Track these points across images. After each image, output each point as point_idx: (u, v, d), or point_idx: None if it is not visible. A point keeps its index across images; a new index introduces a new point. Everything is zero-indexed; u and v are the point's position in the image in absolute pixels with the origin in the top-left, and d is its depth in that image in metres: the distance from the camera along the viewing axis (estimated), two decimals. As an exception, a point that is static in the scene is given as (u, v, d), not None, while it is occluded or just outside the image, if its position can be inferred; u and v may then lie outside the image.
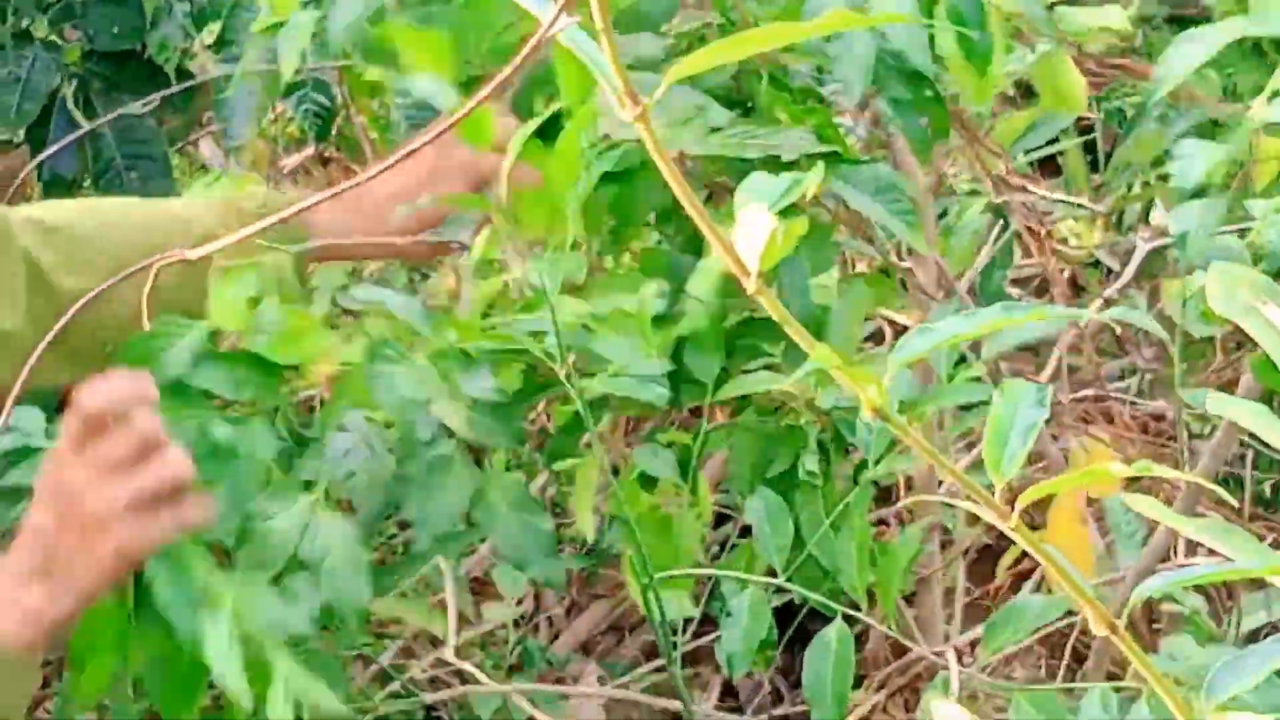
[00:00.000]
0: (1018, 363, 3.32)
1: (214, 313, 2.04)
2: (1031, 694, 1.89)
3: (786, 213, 1.14)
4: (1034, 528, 2.95)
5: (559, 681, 3.68)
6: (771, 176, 0.99)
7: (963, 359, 2.06)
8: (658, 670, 3.50)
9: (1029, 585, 3.22)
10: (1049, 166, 3.79)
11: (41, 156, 2.99)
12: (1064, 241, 3.17)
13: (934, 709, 1.08)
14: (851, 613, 2.02)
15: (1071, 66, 2.39)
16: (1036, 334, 2.61)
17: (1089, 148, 3.78)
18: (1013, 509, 0.93)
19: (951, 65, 2.09)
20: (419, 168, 2.24)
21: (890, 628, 2.10)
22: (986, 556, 3.37)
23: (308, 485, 1.97)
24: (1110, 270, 3.44)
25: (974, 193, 2.96)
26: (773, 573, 2.06)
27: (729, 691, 3.76)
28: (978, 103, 2.18)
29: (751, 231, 0.89)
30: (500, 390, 2.02)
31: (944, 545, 3.12)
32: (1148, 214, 3.28)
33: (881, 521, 3.45)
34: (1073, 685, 1.93)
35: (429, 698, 2.92)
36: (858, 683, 3.05)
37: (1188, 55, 2.07)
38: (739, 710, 3.70)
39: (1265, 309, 1.19)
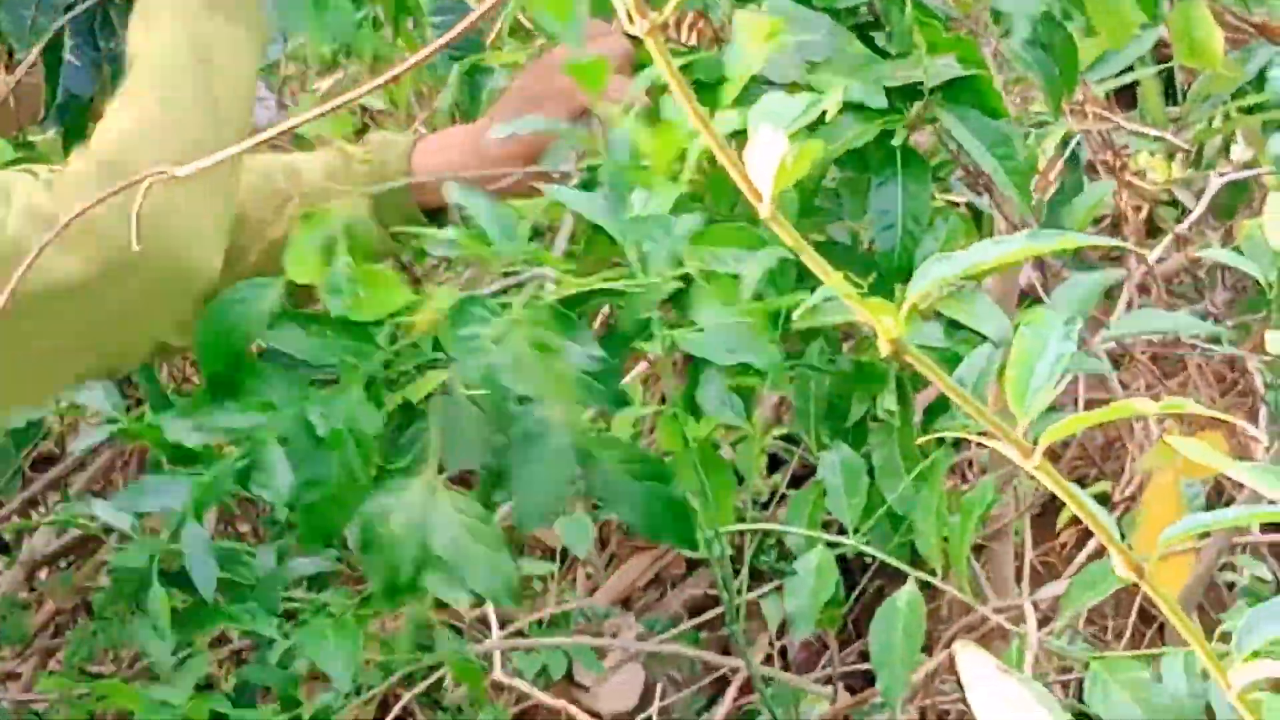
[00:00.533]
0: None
1: (290, 267, 1.91)
2: (1107, 660, 1.81)
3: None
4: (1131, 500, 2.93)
5: (596, 636, 3.62)
6: (789, 97, 0.95)
7: (1035, 302, 2.02)
8: (699, 628, 3.41)
9: (1094, 542, 3.17)
10: (1124, 98, 3.61)
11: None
12: (1139, 175, 3.10)
13: (959, 654, 1.04)
14: (923, 576, 1.94)
15: (1210, 19, 2.31)
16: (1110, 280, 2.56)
17: (1167, 80, 3.61)
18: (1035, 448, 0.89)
19: (1090, 6, 2.01)
20: (516, 100, 2.19)
21: (963, 589, 2.03)
22: (1050, 511, 3.31)
23: (413, 465, 1.84)
24: (1187, 211, 3.38)
25: (1042, 124, 2.89)
26: (841, 528, 1.99)
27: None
28: (1115, 46, 2.12)
29: (764, 154, 0.86)
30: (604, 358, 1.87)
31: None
32: (1228, 149, 3.21)
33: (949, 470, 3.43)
34: (1151, 652, 1.85)
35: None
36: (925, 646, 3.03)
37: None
38: (785, 668, 3.60)
39: None
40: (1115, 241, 2.27)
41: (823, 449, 2.03)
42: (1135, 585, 0.96)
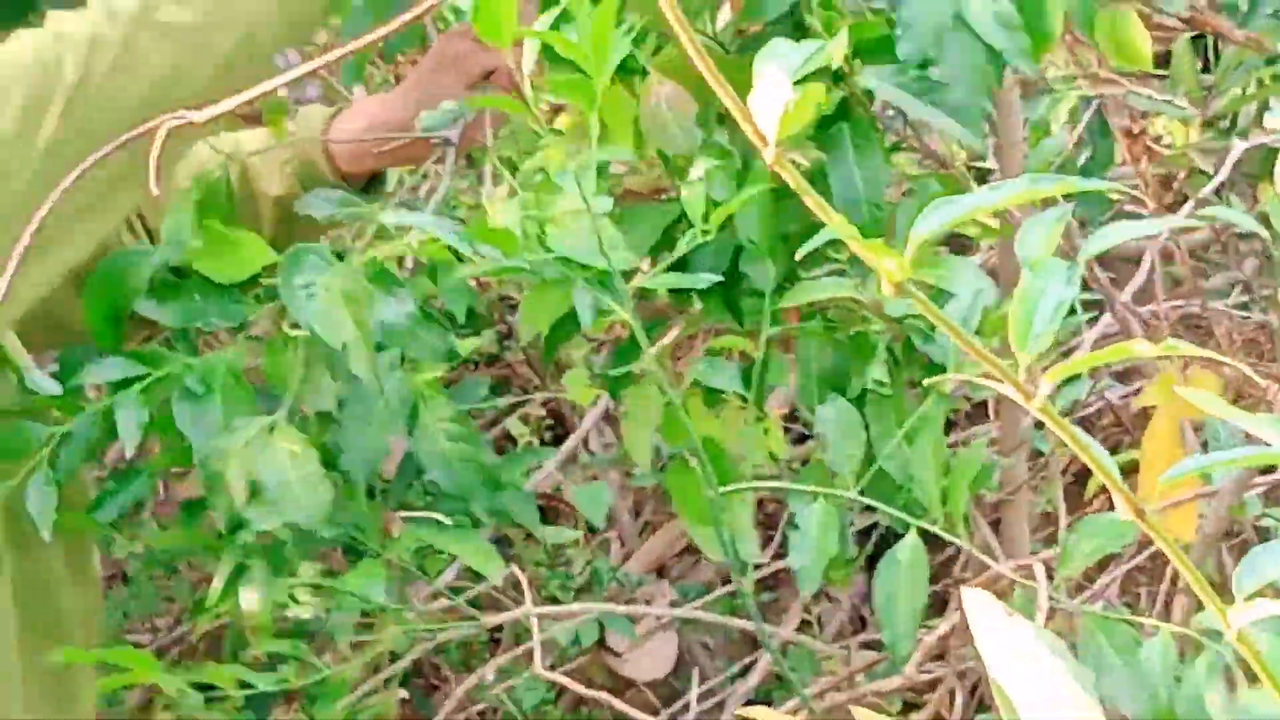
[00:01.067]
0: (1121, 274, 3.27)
1: (166, 234, 2.05)
2: (1103, 620, 1.82)
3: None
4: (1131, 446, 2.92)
5: (629, 603, 3.61)
6: (793, 43, 0.95)
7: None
8: (734, 595, 3.41)
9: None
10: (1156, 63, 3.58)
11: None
12: (1158, 141, 3.08)
13: (966, 601, 1.03)
14: (928, 527, 1.93)
15: (1136, 19, 2.35)
16: (1132, 236, 2.54)
17: (1202, 46, 3.57)
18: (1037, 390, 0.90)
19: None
20: (420, 72, 2.27)
21: (965, 539, 2.03)
22: (1085, 478, 3.30)
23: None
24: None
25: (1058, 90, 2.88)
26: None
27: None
28: (1032, 63, 2.13)
29: (769, 99, 0.87)
30: (417, 314, 1.98)
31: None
32: (1261, 117, 3.19)
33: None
34: (1160, 624, 1.83)
35: (490, 620, 2.79)
36: (943, 607, 3.00)
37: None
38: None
39: None
40: (1125, 189, 2.25)
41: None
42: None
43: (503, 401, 3.83)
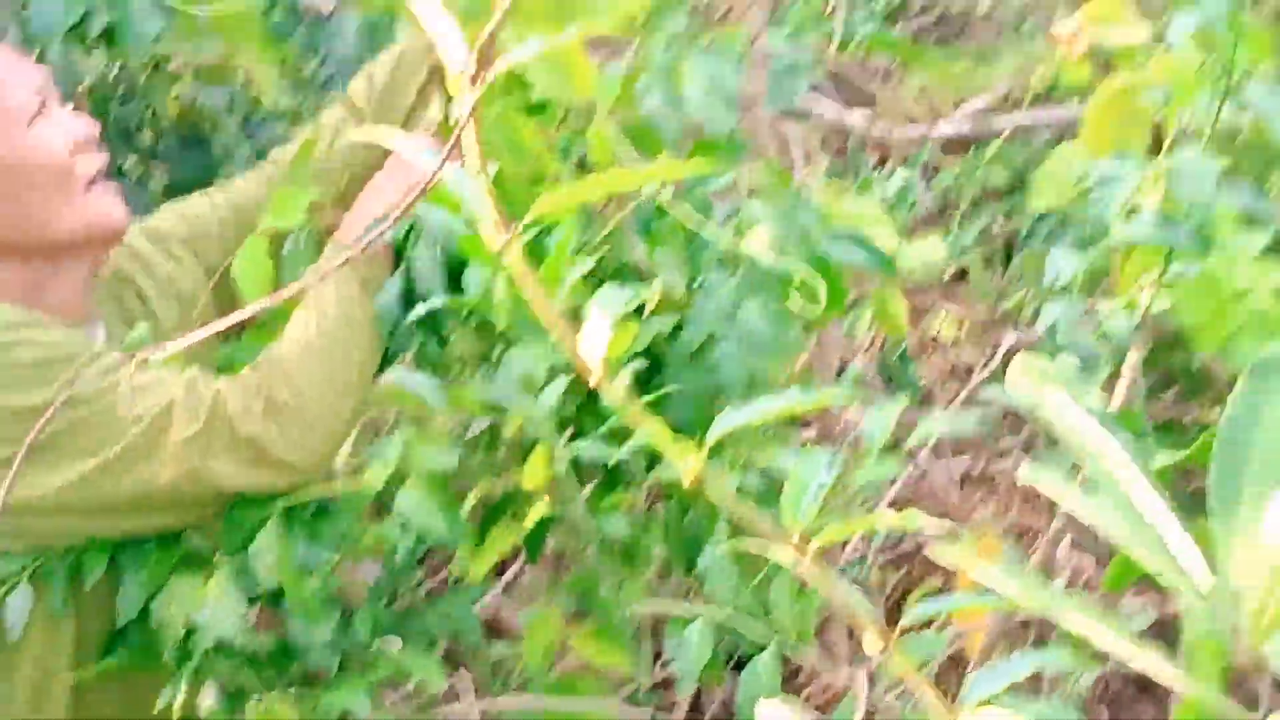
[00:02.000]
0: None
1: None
2: (918, 715, 1.84)
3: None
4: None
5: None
6: (618, 288, 1.01)
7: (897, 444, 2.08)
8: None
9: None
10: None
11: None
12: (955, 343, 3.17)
13: (759, 708, 1.09)
14: (782, 649, 1.96)
15: (900, 295, 2.37)
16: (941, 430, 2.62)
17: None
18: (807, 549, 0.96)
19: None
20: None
21: (808, 655, 2.08)
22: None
23: None
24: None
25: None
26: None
27: (696, 706, 3.65)
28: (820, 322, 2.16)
29: (595, 336, 0.92)
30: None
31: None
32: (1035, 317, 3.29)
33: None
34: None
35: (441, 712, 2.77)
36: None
37: (1110, 200, 2.09)
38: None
39: (1050, 393, 1.22)
40: (837, 389, 2.29)
41: (692, 567, 2.08)
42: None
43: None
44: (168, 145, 3.11)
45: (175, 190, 3.04)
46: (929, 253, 2.37)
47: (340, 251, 2.04)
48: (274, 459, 1.96)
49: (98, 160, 2.04)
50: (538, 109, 2.02)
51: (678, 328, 1.97)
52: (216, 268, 2.20)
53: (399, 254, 2.08)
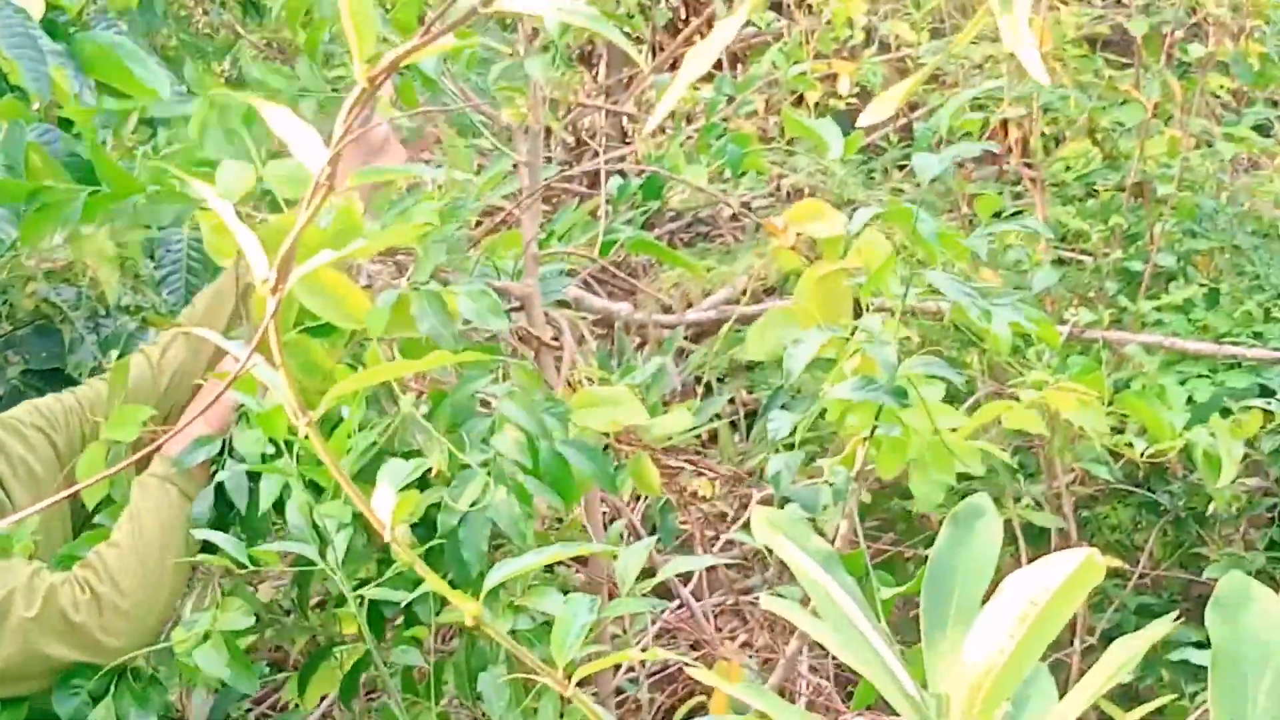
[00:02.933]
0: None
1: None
2: None
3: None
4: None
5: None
6: (403, 462, 1.02)
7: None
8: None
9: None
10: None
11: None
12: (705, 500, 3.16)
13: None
14: None
15: (650, 464, 2.40)
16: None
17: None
18: (570, 680, 0.96)
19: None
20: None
21: None
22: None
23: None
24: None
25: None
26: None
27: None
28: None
29: (383, 500, 0.92)
30: None
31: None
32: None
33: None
34: None
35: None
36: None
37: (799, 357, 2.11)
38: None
39: (779, 540, 1.23)
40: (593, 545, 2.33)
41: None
42: None
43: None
44: (23, 335, 3.08)
45: (30, 375, 3.02)
46: (676, 423, 2.38)
47: (163, 464, 2.18)
48: (98, 642, 2.07)
49: None
50: (326, 330, 2.05)
51: None
52: (64, 455, 2.27)
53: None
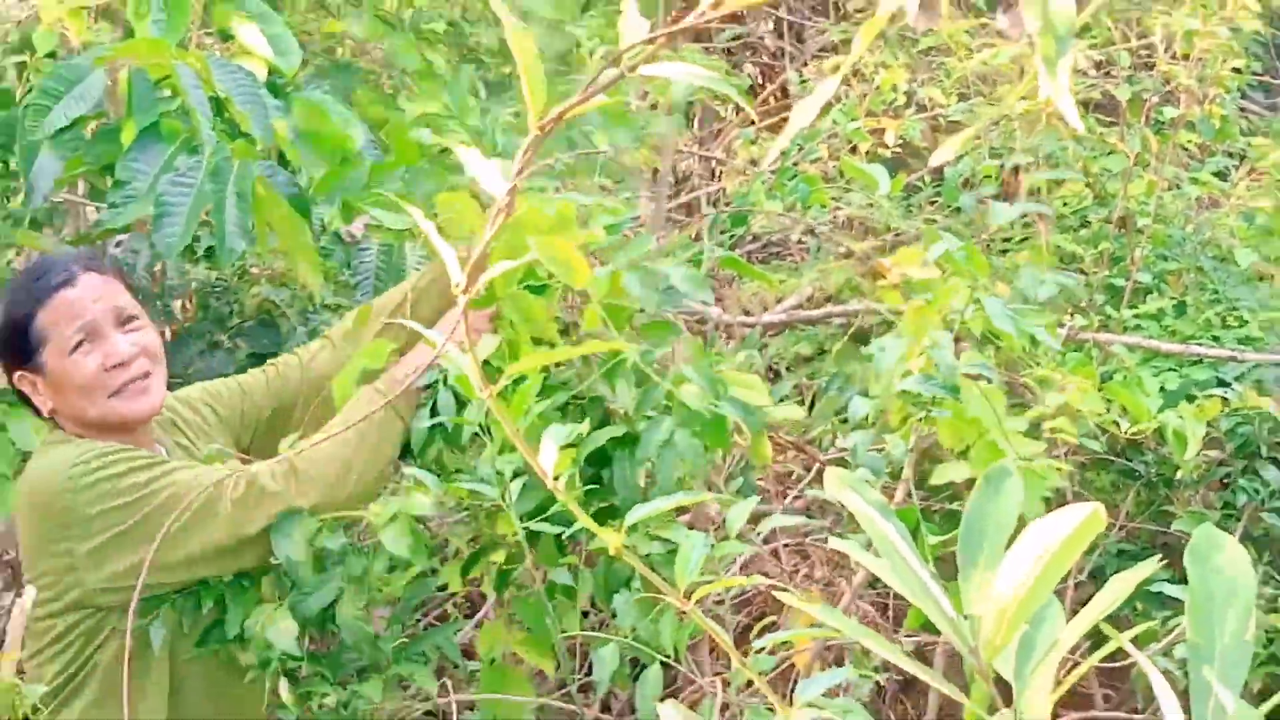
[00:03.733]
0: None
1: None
2: (758, 711, 1.78)
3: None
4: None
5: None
6: (561, 427, 1.02)
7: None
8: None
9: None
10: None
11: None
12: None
13: (662, 710, 1.06)
14: (665, 659, 1.92)
15: (766, 439, 2.25)
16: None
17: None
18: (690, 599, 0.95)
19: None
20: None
21: (683, 667, 2.05)
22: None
23: None
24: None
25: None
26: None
27: (607, 708, 3.54)
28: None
29: (547, 456, 0.91)
30: None
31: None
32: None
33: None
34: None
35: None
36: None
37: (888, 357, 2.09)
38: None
39: (848, 495, 1.22)
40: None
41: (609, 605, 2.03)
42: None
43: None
44: (249, 327, 3.11)
45: (255, 358, 3.04)
46: (791, 413, 2.34)
47: (385, 382, 2.05)
48: (291, 504, 1.98)
49: (128, 372, 2.06)
50: (542, 289, 1.99)
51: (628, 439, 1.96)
52: (225, 419, 2.27)
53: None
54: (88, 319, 2.02)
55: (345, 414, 2.05)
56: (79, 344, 2.02)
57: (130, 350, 2.05)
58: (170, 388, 2.25)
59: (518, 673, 2.30)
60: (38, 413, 2.12)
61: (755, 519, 2.40)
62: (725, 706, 2.08)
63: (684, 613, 0.98)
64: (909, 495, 2.10)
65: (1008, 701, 1.07)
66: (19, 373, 2.07)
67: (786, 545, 3.18)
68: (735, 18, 4.37)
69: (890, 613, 3.35)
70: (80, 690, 2.02)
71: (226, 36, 2.55)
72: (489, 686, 2.14)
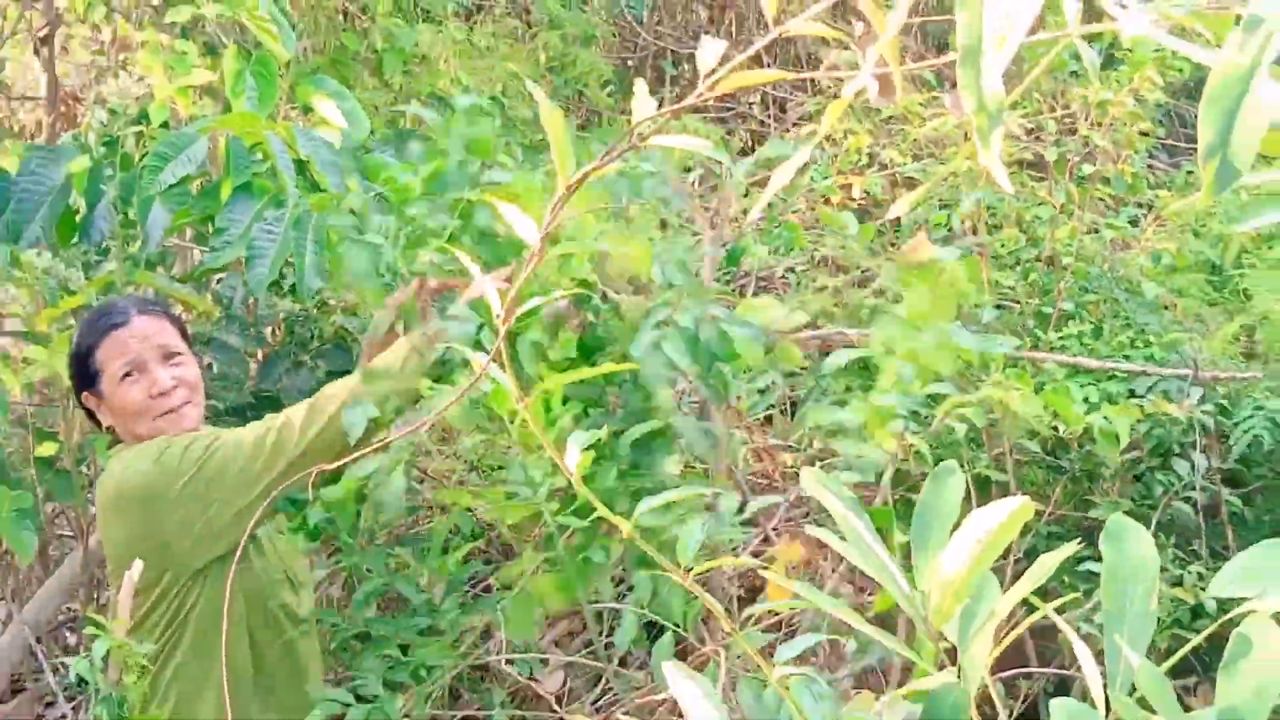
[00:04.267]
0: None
1: None
2: (751, 680, 1.74)
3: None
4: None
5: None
6: (584, 433, 1.01)
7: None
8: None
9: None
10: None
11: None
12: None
13: (667, 669, 1.05)
14: (676, 629, 1.90)
15: (793, 345, 2.14)
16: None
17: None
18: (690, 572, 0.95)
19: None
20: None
21: (690, 635, 2.00)
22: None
23: None
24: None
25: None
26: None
27: (624, 661, 3.44)
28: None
29: (571, 458, 0.91)
30: None
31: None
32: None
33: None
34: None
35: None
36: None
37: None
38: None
39: (823, 491, 1.21)
40: None
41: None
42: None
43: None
44: (327, 350, 3.09)
45: (331, 375, 3.03)
46: (786, 316, 2.06)
47: (416, 339, 1.93)
48: (288, 453, 1.93)
49: (169, 401, 2.08)
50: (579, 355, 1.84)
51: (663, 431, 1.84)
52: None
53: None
54: (133, 355, 2.07)
55: (381, 359, 1.97)
56: (127, 374, 2.07)
57: (170, 382, 2.09)
58: (262, 400, 2.26)
59: (535, 598, 2.19)
60: (98, 424, 2.17)
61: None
62: (728, 671, 2.02)
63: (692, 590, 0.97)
64: (886, 501, 2.08)
65: (954, 662, 1.07)
66: (85, 394, 2.13)
67: (776, 530, 3.15)
68: (729, 93, 4.37)
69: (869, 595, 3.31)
70: (178, 644, 2.03)
71: (308, 110, 2.57)
72: (513, 608, 2.04)
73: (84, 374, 2.10)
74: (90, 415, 2.16)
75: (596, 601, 2.10)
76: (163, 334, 2.10)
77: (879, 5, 0.78)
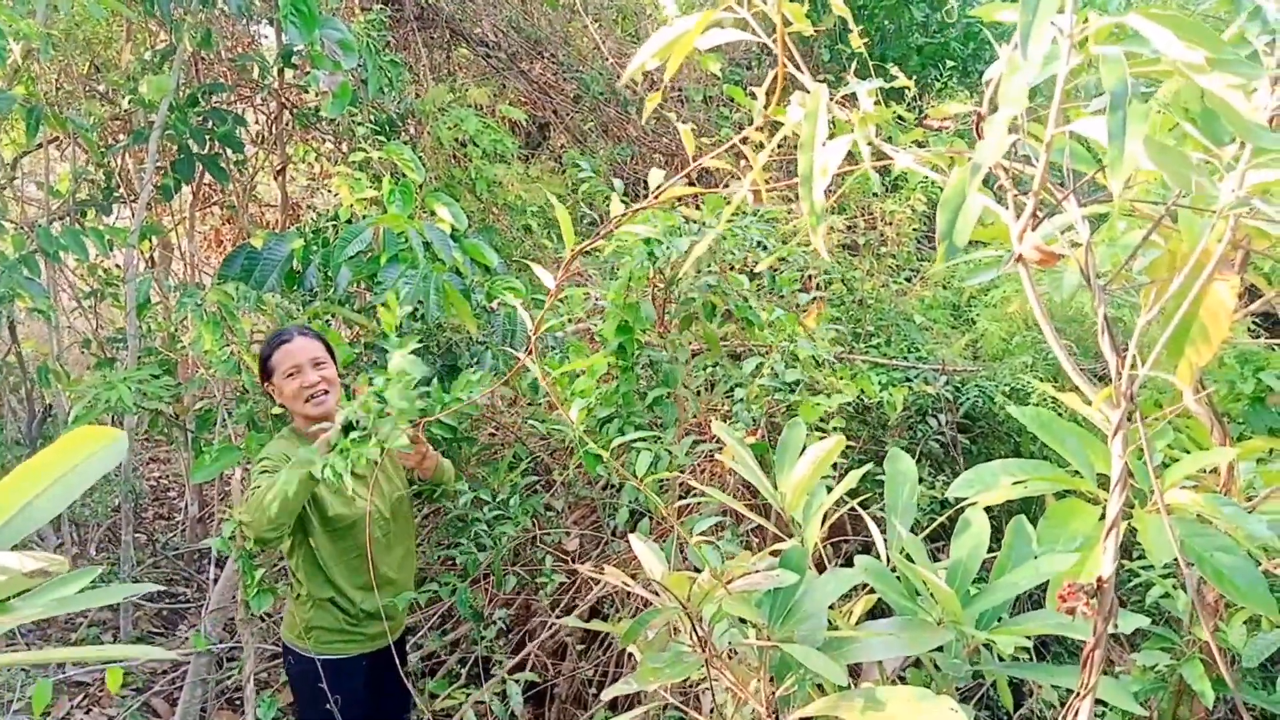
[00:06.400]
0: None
1: None
2: (695, 551, 1.54)
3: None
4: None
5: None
6: (584, 399, 0.97)
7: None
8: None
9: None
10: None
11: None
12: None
13: (634, 540, 1.02)
14: (650, 516, 1.70)
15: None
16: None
17: None
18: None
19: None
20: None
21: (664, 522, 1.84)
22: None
23: None
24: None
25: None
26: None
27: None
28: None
29: (575, 409, 0.88)
30: None
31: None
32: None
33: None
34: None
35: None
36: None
37: (749, 366, 1.95)
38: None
39: (724, 432, 1.18)
40: None
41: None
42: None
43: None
44: (443, 352, 2.89)
45: (446, 368, 2.89)
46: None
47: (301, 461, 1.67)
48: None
49: (314, 391, 1.89)
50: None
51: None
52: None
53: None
54: (294, 360, 1.93)
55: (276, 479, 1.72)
56: (290, 374, 1.92)
57: (316, 379, 1.93)
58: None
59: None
60: (273, 404, 1.98)
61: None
62: (681, 546, 1.89)
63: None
64: (763, 436, 2.02)
65: (799, 533, 1.05)
66: (265, 384, 1.97)
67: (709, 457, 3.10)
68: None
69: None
70: (295, 574, 1.90)
71: (432, 212, 2.54)
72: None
73: (265, 371, 1.95)
74: (269, 397, 2.03)
75: (600, 497, 2.03)
76: (314, 349, 1.95)
77: (754, 149, 0.77)
